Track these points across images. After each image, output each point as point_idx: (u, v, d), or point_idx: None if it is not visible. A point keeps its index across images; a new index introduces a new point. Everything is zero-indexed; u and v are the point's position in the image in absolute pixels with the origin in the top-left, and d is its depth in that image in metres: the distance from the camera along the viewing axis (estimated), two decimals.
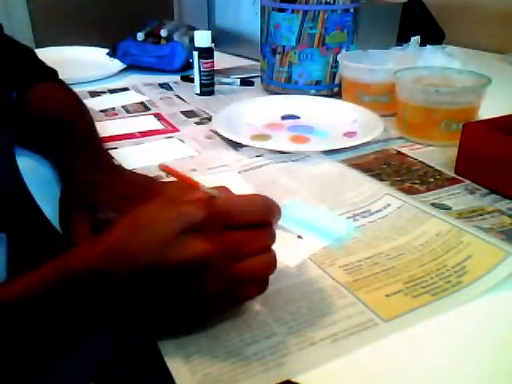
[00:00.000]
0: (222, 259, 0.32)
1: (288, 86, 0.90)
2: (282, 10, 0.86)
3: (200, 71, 0.91)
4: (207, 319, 0.36)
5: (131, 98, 0.93)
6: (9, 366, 0.31)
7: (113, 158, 0.64)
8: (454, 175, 0.60)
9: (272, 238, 0.35)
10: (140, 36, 1.10)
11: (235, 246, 0.33)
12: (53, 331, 0.32)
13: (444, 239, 0.46)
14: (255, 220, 0.34)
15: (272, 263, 0.35)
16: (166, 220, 0.32)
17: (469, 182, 0.58)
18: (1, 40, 0.64)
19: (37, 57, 0.69)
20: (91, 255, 0.32)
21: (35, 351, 0.32)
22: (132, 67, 1.10)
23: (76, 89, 0.68)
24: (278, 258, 0.35)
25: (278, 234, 0.36)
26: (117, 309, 0.33)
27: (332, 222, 0.50)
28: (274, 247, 0.35)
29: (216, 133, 0.73)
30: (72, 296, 0.32)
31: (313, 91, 0.89)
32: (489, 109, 0.68)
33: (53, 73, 0.69)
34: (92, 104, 0.88)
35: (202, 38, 0.89)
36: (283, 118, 0.80)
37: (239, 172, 0.61)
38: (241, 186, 0.58)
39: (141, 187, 0.52)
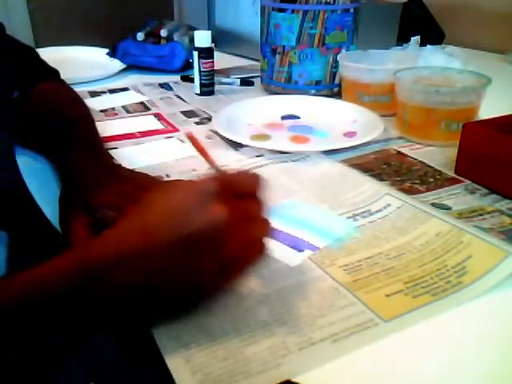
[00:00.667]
0: (237, 221, 0.34)
1: (288, 86, 0.90)
2: (282, 10, 0.86)
3: (200, 71, 0.91)
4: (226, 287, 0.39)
5: (131, 97, 0.93)
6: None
7: (113, 157, 0.64)
8: (454, 175, 0.60)
9: (263, 207, 0.38)
10: (140, 36, 1.10)
11: (243, 210, 0.36)
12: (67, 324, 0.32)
13: (444, 239, 0.46)
14: (251, 191, 0.38)
15: (268, 227, 0.38)
16: (182, 194, 0.35)
17: (469, 181, 0.58)
18: (3, 40, 0.64)
19: (39, 56, 0.70)
20: (108, 245, 0.33)
21: (37, 354, 0.32)
22: (132, 67, 1.10)
23: (76, 89, 0.68)
24: (278, 257, 0.39)
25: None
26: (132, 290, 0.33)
27: (332, 222, 0.50)
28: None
29: (216, 133, 0.73)
30: (94, 286, 0.32)
31: (313, 91, 0.89)
32: (489, 109, 0.68)
33: (55, 73, 0.69)
34: (92, 104, 0.88)
35: (202, 38, 0.89)
36: (283, 118, 0.80)
37: None
38: None
39: (141, 187, 0.52)
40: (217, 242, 0.34)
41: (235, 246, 0.34)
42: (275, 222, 0.46)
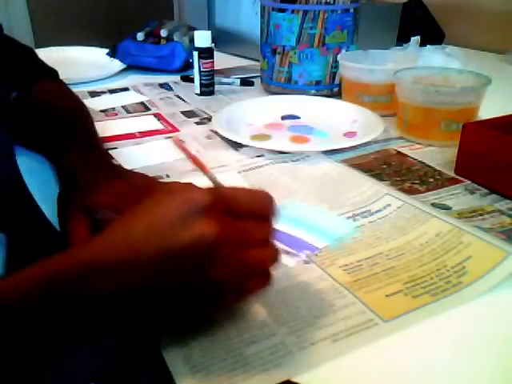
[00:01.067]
0: (229, 243, 0.31)
1: (288, 86, 0.90)
2: (282, 10, 0.86)
3: (200, 71, 0.91)
4: (213, 314, 0.36)
5: (131, 97, 0.93)
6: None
7: (112, 158, 0.64)
8: (453, 175, 0.60)
9: (272, 231, 0.35)
10: (140, 36, 1.10)
11: (240, 232, 0.32)
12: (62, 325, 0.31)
13: (444, 239, 0.46)
14: (257, 212, 0.34)
15: (275, 255, 0.34)
16: (170, 205, 0.31)
17: (469, 182, 0.58)
18: (0, 40, 0.64)
19: (37, 56, 0.69)
20: (93, 250, 0.31)
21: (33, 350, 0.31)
22: (132, 67, 1.10)
23: (76, 89, 0.68)
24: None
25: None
26: (125, 304, 0.32)
27: (332, 222, 0.50)
28: None
29: (216, 133, 0.73)
30: (75, 296, 0.31)
31: (313, 91, 0.89)
32: (489, 109, 0.68)
33: (53, 72, 0.69)
34: (92, 104, 0.88)
35: (202, 38, 0.89)
36: (283, 118, 0.80)
37: (239, 172, 0.61)
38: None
39: (140, 187, 0.52)
40: (201, 262, 0.30)
41: (227, 271, 0.31)
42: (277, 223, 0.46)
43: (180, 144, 0.42)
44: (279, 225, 0.47)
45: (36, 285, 0.30)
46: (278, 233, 0.47)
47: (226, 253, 0.31)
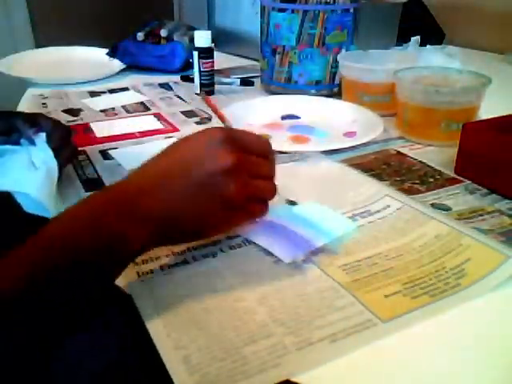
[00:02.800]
0: (243, 170, 0.40)
1: (288, 86, 0.90)
2: (282, 10, 0.86)
3: (200, 71, 0.91)
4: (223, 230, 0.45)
5: (131, 97, 0.93)
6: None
7: None
8: (453, 175, 0.60)
9: (274, 168, 0.44)
10: (140, 36, 1.10)
11: (250, 164, 0.41)
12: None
13: (443, 241, 0.46)
14: (261, 151, 0.43)
15: (275, 189, 0.44)
16: (197, 141, 0.40)
17: (469, 182, 0.58)
18: None
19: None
20: (137, 180, 0.39)
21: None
22: (132, 67, 1.10)
23: (76, 89, 0.68)
24: (273, 252, 0.44)
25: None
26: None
27: (333, 221, 0.50)
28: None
29: None
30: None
31: (313, 91, 0.89)
32: (489, 109, 0.68)
33: None
34: (92, 104, 0.88)
35: (202, 38, 0.89)
36: (283, 118, 0.80)
37: None
38: None
39: None
40: (222, 183, 0.39)
41: (241, 191, 0.39)
42: (276, 219, 0.47)
43: (208, 100, 0.51)
44: (280, 220, 0.48)
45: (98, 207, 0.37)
46: (277, 226, 0.47)
47: (240, 177, 0.40)
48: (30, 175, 0.50)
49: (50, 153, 0.52)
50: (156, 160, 0.40)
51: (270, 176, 0.44)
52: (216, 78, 0.94)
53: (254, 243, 0.46)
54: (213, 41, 0.91)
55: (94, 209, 0.36)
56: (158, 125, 0.79)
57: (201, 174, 0.38)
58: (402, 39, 1.19)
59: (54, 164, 0.52)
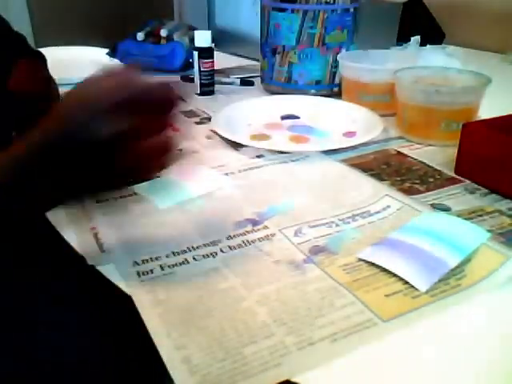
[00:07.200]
0: (128, 137, 0.37)
1: (288, 86, 0.90)
2: (282, 10, 0.86)
3: (200, 71, 0.91)
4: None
5: None
6: None
7: None
8: (453, 175, 0.60)
9: (168, 120, 0.42)
10: (140, 36, 1.10)
11: (137, 125, 0.38)
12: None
13: None
14: (156, 105, 0.40)
15: (168, 145, 0.41)
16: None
17: (469, 182, 0.58)
18: None
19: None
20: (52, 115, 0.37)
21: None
22: None
23: None
24: (408, 280, 0.40)
25: None
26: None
27: (463, 231, 0.46)
28: None
29: (216, 133, 0.73)
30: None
31: (313, 91, 0.89)
32: (489, 109, 0.68)
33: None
34: None
35: (202, 38, 0.89)
36: (283, 117, 0.80)
37: (239, 172, 0.61)
38: (233, 187, 0.58)
39: None
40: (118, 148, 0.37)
41: (129, 158, 0.38)
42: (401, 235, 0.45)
43: None
44: (408, 237, 0.45)
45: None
46: (404, 245, 0.44)
47: (125, 146, 0.37)
48: None
49: None
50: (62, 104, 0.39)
51: (162, 130, 0.42)
52: (216, 78, 0.94)
53: (254, 243, 0.46)
54: (213, 41, 0.91)
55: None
56: None
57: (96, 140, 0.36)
58: (402, 39, 1.19)
59: None
